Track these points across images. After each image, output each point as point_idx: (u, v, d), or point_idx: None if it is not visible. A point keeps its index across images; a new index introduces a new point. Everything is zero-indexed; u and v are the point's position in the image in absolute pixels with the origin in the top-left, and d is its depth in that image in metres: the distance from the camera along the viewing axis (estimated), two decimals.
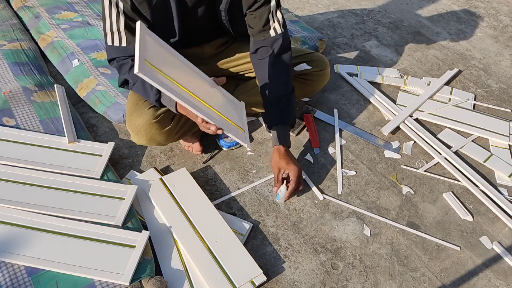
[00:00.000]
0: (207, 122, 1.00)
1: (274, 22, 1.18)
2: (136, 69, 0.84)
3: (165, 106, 1.11)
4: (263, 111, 1.44)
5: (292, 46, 1.32)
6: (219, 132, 1.01)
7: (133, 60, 1.10)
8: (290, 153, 1.22)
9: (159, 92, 1.07)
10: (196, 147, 1.31)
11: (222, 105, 1.09)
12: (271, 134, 1.25)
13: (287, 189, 1.18)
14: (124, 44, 1.10)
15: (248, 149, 1.07)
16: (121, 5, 1.06)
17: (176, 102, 1.05)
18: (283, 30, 1.19)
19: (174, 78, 0.96)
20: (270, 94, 1.23)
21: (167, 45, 1.02)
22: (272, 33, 1.18)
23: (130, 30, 1.08)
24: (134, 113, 1.15)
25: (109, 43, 1.11)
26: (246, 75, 1.40)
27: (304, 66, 1.35)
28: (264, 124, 1.43)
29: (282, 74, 1.22)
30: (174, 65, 1.01)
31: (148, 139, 1.16)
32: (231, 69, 1.37)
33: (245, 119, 1.16)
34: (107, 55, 1.15)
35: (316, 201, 1.24)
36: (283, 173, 1.20)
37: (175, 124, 1.19)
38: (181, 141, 1.35)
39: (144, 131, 1.14)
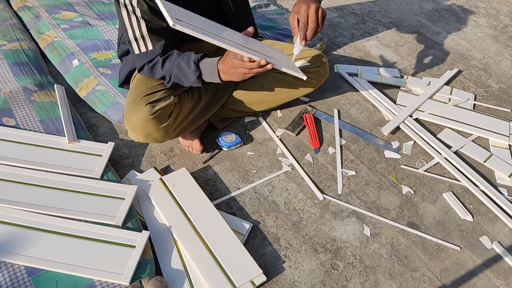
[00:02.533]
0: (255, 61, 1.01)
1: None
2: (170, 23, 0.87)
3: (208, 84, 1.13)
4: (263, 109, 1.45)
5: (290, 44, 1.32)
6: (269, 67, 1.02)
7: (161, 55, 1.13)
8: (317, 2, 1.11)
9: (198, 68, 1.09)
10: (196, 146, 1.31)
11: (262, 48, 1.10)
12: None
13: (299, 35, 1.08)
14: (150, 47, 1.12)
15: (304, 78, 1.09)
16: (138, 11, 1.07)
17: (218, 69, 1.08)
18: None
19: (209, 30, 0.98)
20: None
21: (192, 13, 1.05)
22: None
23: (153, 32, 1.10)
24: (132, 109, 1.15)
25: (137, 51, 1.13)
26: None
27: (302, 63, 1.35)
28: None
29: None
30: (204, 22, 1.03)
31: (145, 136, 1.16)
32: None
33: (289, 59, 1.17)
34: (137, 65, 1.16)
35: (316, 201, 1.24)
36: (298, 16, 1.07)
37: (173, 121, 1.19)
38: (180, 140, 1.35)
39: (141, 127, 1.14)
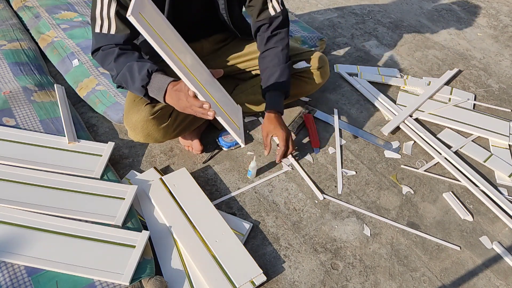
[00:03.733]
0: (198, 100, 0.94)
1: (272, 1, 1.21)
2: (128, 12, 0.81)
3: (152, 100, 1.05)
4: (263, 109, 1.44)
5: (291, 44, 1.31)
6: (210, 114, 0.94)
7: (121, 48, 1.05)
8: (280, 119, 1.25)
9: (148, 78, 1.01)
10: (196, 145, 1.31)
11: (217, 94, 1.06)
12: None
13: (278, 152, 1.26)
14: (112, 31, 1.04)
15: (242, 145, 1.08)
16: None
17: (165, 91, 1.00)
18: (282, 8, 1.23)
19: (169, 44, 0.91)
20: (265, 63, 1.25)
21: (168, 23, 1.00)
22: (271, 11, 1.22)
23: (121, 18, 1.03)
24: (131, 109, 1.14)
25: (97, 30, 1.05)
26: (245, 73, 1.40)
27: (303, 64, 1.35)
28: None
29: (279, 45, 1.25)
30: (171, 36, 0.97)
31: (145, 136, 1.16)
32: (230, 67, 1.37)
33: (241, 120, 1.16)
34: (92, 45, 1.09)
35: (316, 201, 1.24)
36: (271, 137, 1.24)
37: (173, 121, 1.18)
38: (180, 140, 1.35)
39: (141, 127, 1.14)
